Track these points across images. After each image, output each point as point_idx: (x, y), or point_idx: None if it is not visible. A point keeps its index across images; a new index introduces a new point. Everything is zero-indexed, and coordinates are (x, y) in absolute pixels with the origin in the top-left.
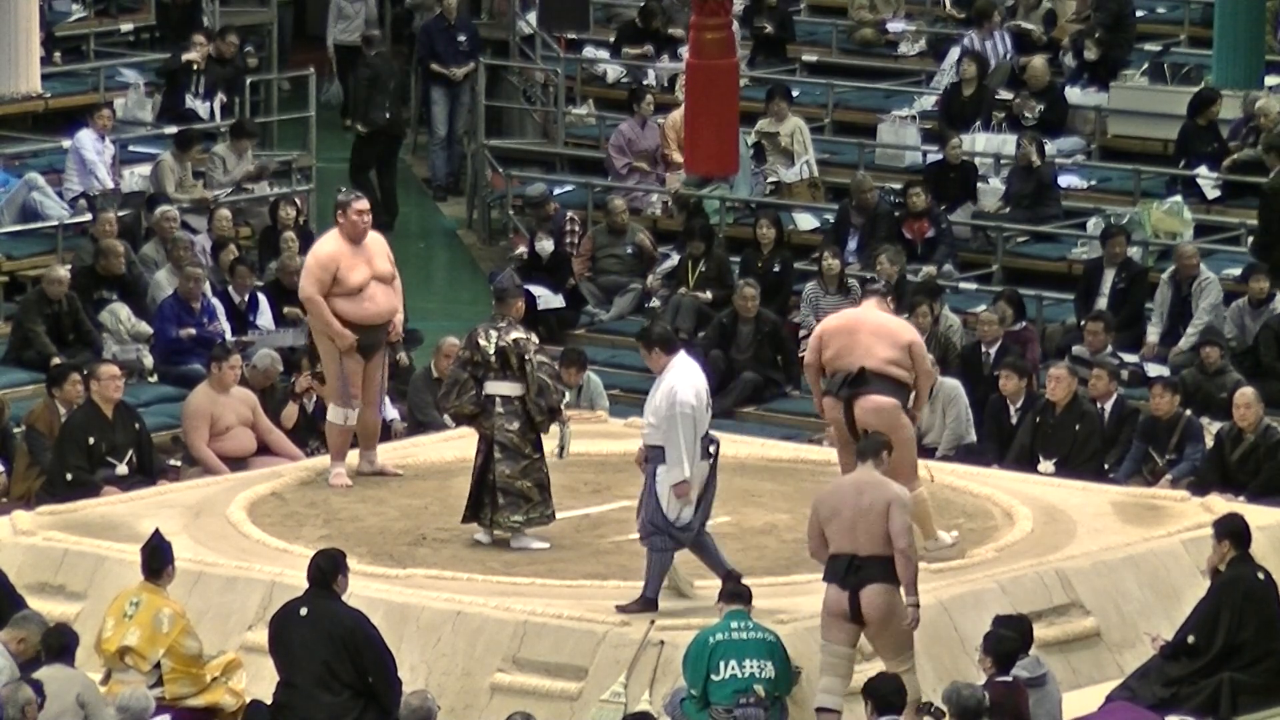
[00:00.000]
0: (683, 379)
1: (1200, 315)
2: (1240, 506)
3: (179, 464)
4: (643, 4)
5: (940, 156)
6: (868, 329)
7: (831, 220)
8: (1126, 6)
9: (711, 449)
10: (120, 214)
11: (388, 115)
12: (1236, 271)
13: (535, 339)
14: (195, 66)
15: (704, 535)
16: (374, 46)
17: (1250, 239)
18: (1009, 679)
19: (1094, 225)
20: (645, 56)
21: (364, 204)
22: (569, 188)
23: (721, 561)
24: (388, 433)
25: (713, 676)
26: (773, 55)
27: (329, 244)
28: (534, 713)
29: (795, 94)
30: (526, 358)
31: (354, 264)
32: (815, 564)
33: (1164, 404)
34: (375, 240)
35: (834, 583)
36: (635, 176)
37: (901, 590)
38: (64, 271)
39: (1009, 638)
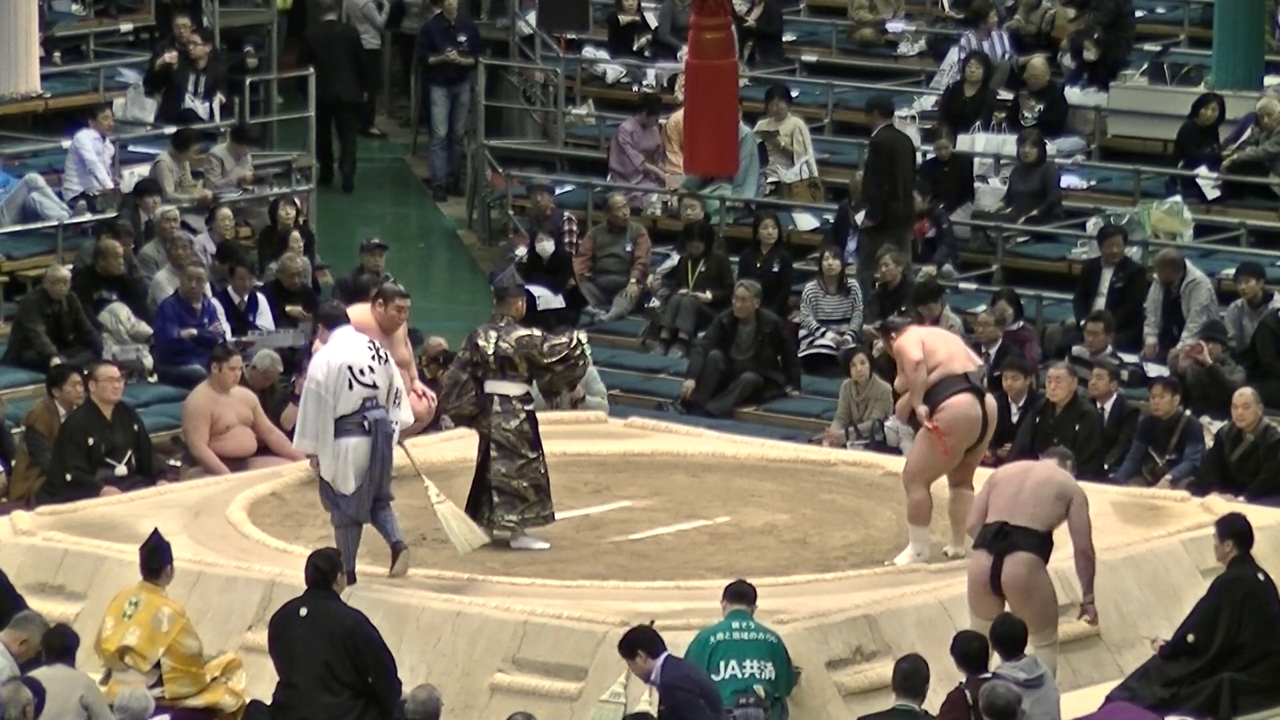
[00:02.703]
0: (322, 353)
1: (1193, 318)
2: (1240, 506)
3: (179, 464)
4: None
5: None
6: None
7: (831, 220)
8: (1125, 6)
9: (366, 424)
10: (116, 215)
11: (337, 84)
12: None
13: (538, 332)
14: (173, 68)
15: (379, 510)
16: (323, 12)
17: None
18: (988, 675)
19: (1094, 225)
20: (643, 56)
21: (407, 302)
22: (569, 188)
23: (391, 531)
24: None
25: (713, 676)
26: (770, 54)
27: (360, 314)
28: (534, 713)
29: (795, 94)
30: (533, 354)
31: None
32: (815, 564)
33: (1164, 404)
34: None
35: (981, 547)
36: (639, 176)
37: (1079, 589)
38: (65, 271)
39: (972, 638)
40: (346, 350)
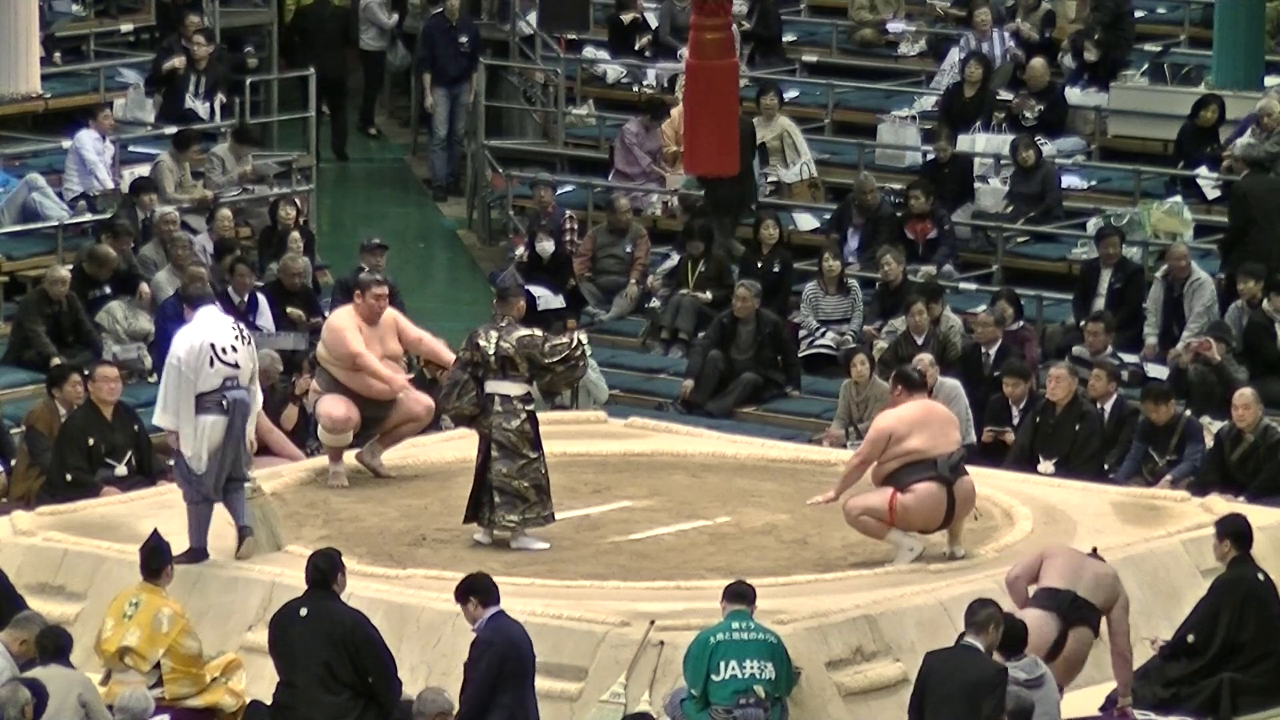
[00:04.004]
0: (183, 331)
1: (1195, 318)
2: (1240, 506)
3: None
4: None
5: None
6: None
7: (831, 220)
8: (1125, 5)
9: (225, 403)
10: (115, 215)
11: (326, 62)
12: None
13: (539, 332)
14: (179, 72)
15: (232, 491)
16: None
17: None
18: None
19: (1094, 225)
20: (643, 56)
21: (384, 289)
22: (569, 188)
23: (240, 514)
24: None
25: (713, 676)
26: (770, 54)
27: (345, 318)
28: None
29: (795, 94)
30: (534, 354)
31: (367, 340)
32: (815, 564)
33: (1161, 414)
34: (387, 318)
35: (1052, 610)
36: (642, 178)
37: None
38: (65, 271)
39: None
40: (209, 329)
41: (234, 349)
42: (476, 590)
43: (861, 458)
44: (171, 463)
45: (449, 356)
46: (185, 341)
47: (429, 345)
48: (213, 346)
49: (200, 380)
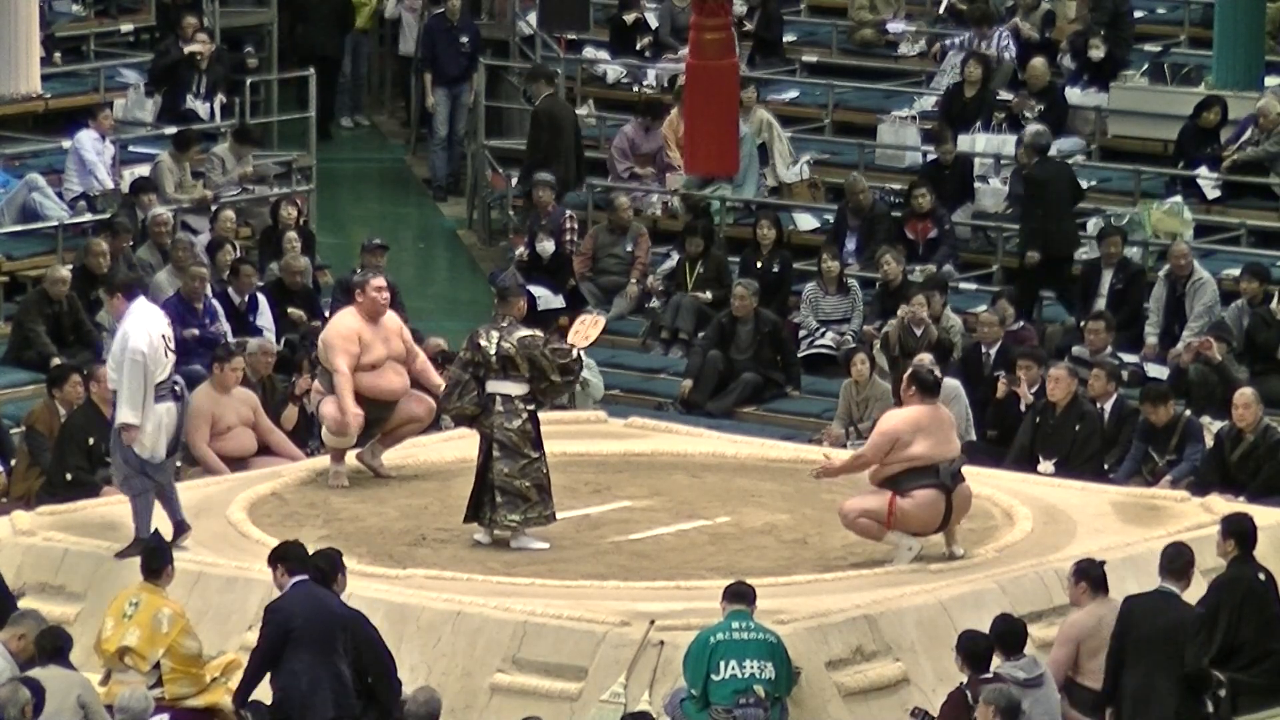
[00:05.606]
0: (135, 325)
1: (1196, 317)
2: (1240, 506)
3: (179, 464)
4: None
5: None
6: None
7: (831, 220)
8: (1123, 5)
9: (177, 389)
10: (114, 214)
11: (318, 37)
12: (1236, 272)
13: (540, 333)
14: (198, 58)
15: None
16: None
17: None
18: (989, 675)
19: (1094, 225)
20: (643, 56)
21: (381, 281)
22: None
23: (177, 511)
24: None
25: (713, 676)
26: (772, 55)
27: (348, 319)
28: (534, 713)
29: (795, 94)
30: (535, 355)
31: (371, 341)
32: (815, 564)
33: (1160, 415)
34: (390, 319)
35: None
36: (635, 181)
37: None
38: (65, 271)
39: (977, 637)
40: (157, 319)
41: (170, 337)
42: (286, 558)
43: (863, 460)
44: (184, 466)
45: (437, 380)
46: (142, 335)
47: (420, 365)
48: (164, 337)
49: (158, 371)
